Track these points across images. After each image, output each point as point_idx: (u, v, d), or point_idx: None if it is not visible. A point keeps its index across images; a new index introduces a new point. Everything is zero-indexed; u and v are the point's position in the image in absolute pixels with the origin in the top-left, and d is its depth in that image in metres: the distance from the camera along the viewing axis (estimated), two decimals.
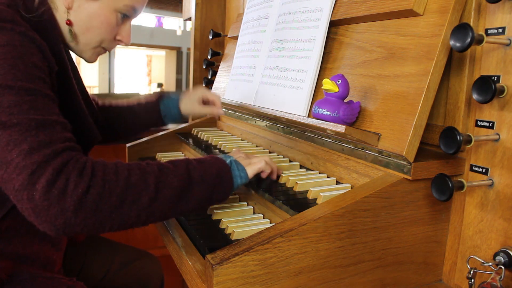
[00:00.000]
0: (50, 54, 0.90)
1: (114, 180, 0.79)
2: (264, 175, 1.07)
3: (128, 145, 1.74)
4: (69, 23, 1.00)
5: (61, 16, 1.00)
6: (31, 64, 0.82)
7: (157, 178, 0.84)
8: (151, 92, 1.57)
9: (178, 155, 1.71)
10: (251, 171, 1.01)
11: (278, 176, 1.11)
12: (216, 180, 0.92)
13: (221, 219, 1.06)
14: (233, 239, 0.98)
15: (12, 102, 0.77)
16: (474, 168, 0.89)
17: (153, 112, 1.47)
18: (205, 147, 1.52)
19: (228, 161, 0.97)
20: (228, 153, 1.42)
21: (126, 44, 1.10)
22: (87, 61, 1.09)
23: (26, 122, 0.77)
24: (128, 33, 1.09)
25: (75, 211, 0.74)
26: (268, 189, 1.05)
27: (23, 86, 0.80)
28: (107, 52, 1.11)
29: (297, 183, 1.03)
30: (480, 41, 0.80)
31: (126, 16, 1.06)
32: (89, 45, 1.05)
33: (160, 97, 1.49)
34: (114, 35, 1.07)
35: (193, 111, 1.48)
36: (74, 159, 0.78)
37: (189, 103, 1.46)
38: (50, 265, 1.03)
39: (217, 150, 1.47)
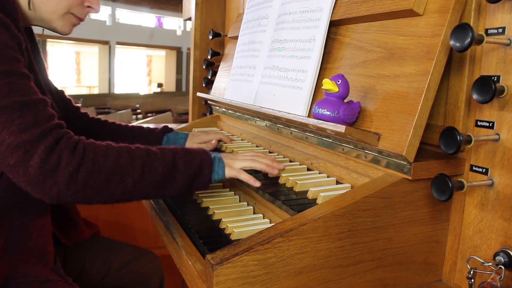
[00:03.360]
0: (15, 29, 0.89)
1: (103, 161, 0.86)
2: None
3: None
4: None
5: None
6: (2, 46, 0.84)
7: (143, 163, 0.91)
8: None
9: None
10: (228, 171, 1.04)
11: (278, 177, 1.11)
12: (197, 172, 0.98)
13: (221, 219, 1.06)
14: (233, 239, 0.98)
15: None
16: (474, 168, 0.89)
17: (154, 141, 1.40)
18: None
19: (213, 156, 1.03)
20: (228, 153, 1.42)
21: (96, 11, 1.08)
22: (61, 32, 1.06)
23: (10, 105, 0.81)
24: None
25: (67, 185, 0.82)
26: (268, 189, 1.05)
27: (0, 68, 0.83)
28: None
29: (297, 183, 1.03)
30: (480, 41, 0.80)
31: None
32: (56, 12, 1.02)
33: (166, 130, 1.43)
34: (81, 0, 1.05)
35: None
36: (65, 138, 0.84)
37: (195, 146, 1.41)
38: (46, 257, 1.02)
39: (217, 150, 1.47)
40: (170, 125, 1.53)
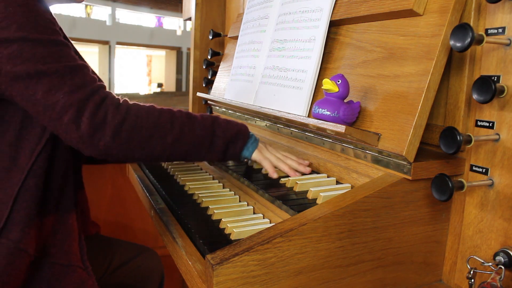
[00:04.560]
0: (48, 8, 0.98)
1: (145, 117, 0.95)
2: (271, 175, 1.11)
3: None
4: None
5: None
6: (47, 20, 0.94)
7: (183, 124, 1.00)
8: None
9: None
10: (256, 155, 1.11)
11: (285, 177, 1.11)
12: (233, 139, 1.06)
13: (221, 219, 1.06)
14: (233, 239, 0.98)
15: (45, 53, 0.91)
16: (474, 168, 0.89)
17: None
18: None
19: (251, 133, 1.11)
20: None
21: None
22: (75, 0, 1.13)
23: (62, 69, 0.91)
24: None
25: (113, 137, 0.91)
26: (268, 189, 1.05)
27: (49, 38, 0.92)
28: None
29: (297, 183, 1.03)
30: (480, 41, 0.80)
31: None
32: None
33: None
34: None
35: None
36: (110, 96, 0.94)
37: None
38: (69, 255, 1.06)
39: None
40: None
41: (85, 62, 0.99)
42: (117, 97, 0.96)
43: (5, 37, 0.89)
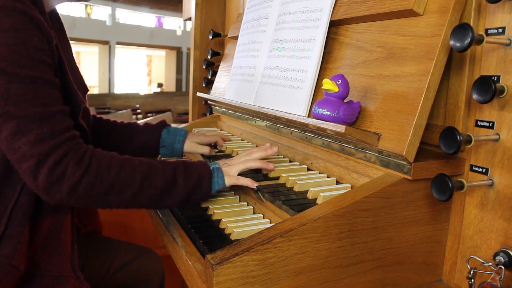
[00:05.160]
0: (47, 26, 0.93)
1: (106, 173, 0.93)
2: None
3: None
4: None
5: None
6: (33, 49, 0.89)
7: (144, 177, 0.97)
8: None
9: None
10: (227, 180, 1.07)
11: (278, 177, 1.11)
12: (196, 185, 1.02)
13: (221, 219, 1.06)
14: (233, 239, 0.98)
15: (19, 91, 0.87)
16: (474, 168, 0.89)
17: (153, 134, 1.40)
18: None
19: (211, 167, 1.06)
20: (228, 153, 1.42)
21: None
22: None
23: (31, 114, 0.88)
24: None
25: (69, 193, 0.90)
26: (268, 189, 1.05)
27: (28, 74, 0.88)
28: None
29: (297, 183, 1.03)
30: (480, 41, 0.80)
31: None
32: None
33: (163, 124, 1.43)
34: None
35: (196, 151, 1.44)
36: (73, 150, 0.91)
37: (194, 146, 1.43)
38: (62, 245, 1.06)
39: (217, 150, 1.47)
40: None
41: (63, 106, 0.94)
42: (81, 148, 0.93)
43: None
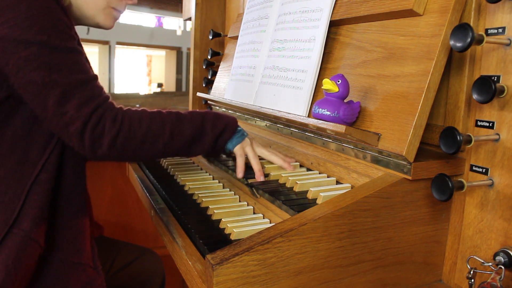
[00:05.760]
0: (68, 15, 1.01)
1: (137, 127, 1.02)
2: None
3: None
4: None
5: None
6: (65, 25, 0.98)
7: (173, 127, 1.06)
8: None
9: None
10: (237, 149, 1.15)
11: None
12: (220, 134, 1.12)
13: (221, 219, 1.06)
14: (233, 239, 0.98)
15: (61, 60, 0.96)
16: (474, 168, 0.89)
17: None
18: None
19: (239, 128, 1.16)
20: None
21: (134, 2, 1.19)
22: (104, 26, 1.17)
23: (73, 81, 0.96)
24: None
25: (109, 148, 0.99)
26: (268, 189, 1.05)
27: (66, 46, 0.97)
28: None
29: (297, 183, 1.03)
30: (480, 41, 0.80)
31: None
32: (96, 8, 1.13)
33: None
34: None
35: None
36: (108, 110, 1.00)
37: None
38: (81, 252, 1.09)
39: None
40: None
41: (95, 74, 1.03)
42: (113, 108, 1.01)
43: (26, 38, 0.92)
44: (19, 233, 0.99)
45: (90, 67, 1.07)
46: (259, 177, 1.12)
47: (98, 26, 1.16)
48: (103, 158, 1.02)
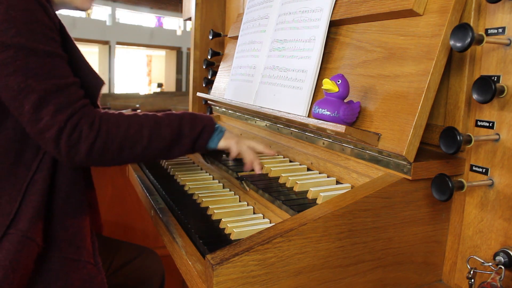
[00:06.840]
0: (51, 12, 1.00)
1: (115, 132, 1.01)
2: (246, 168, 1.18)
3: None
4: None
5: None
6: (44, 27, 0.96)
7: (151, 131, 1.05)
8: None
9: None
10: (222, 143, 1.17)
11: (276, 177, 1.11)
12: (198, 135, 1.13)
13: (221, 219, 1.07)
14: (233, 239, 0.98)
15: (38, 64, 0.94)
16: (474, 168, 0.89)
17: None
18: None
19: (216, 125, 1.17)
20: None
21: None
22: (82, 7, 1.16)
23: (50, 87, 0.95)
24: None
25: (87, 154, 0.98)
26: (268, 189, 1.05)
27: (44, 49, 0.95)
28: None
29: (297, 183, 1.03)
30: (480, 41, 0.80)
31: None
32: None
33: None
34: None
35: None
36: (85, 115, 0.98)
37: None
38: (81, 250, 1.09)
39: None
40: None
41: (75, 78, 1.01)
42: (90, 113, 1.00)
43: (2, 41, 0.91)
44: (16, 234, 0.99)
45: (81, 58, 1.06)
46: (249, 168, 1.15)
47: (76, 8, 1.16)
48: (82, 164, 1.01)
